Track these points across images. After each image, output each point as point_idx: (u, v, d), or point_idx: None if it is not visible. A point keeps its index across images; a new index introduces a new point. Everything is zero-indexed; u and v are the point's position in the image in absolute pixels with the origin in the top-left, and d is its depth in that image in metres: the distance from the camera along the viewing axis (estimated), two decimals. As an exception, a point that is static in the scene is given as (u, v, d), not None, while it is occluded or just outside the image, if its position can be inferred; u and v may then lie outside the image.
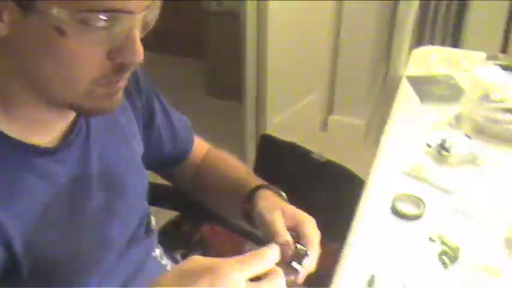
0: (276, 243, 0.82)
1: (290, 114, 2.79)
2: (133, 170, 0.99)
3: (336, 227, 1.23)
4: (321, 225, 1.60)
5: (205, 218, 1.40)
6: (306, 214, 0.93)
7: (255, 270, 0.66)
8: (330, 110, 3.03)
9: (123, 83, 0.80)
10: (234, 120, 2.74)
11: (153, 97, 1.05)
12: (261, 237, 0.97)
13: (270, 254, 0.68)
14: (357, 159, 1.89)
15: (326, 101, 3.01)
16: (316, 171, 1.98)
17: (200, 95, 3.30)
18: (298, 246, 0.85)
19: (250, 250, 0.69)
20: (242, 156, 2.62)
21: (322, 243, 1.41)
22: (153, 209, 1.11)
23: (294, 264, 0.81)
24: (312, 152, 2.02)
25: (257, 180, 1.05)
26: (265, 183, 1.03)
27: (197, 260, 0.66)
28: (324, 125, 3.04)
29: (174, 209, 1.38)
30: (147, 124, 1.05)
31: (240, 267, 0.64)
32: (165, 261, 1.09)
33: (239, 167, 1.15)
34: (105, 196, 0.91)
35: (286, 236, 0.88)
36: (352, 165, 1.80)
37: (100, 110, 0.80)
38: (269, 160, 2.06)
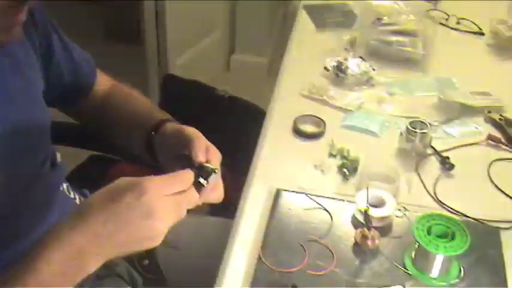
0: (194, 156, 0.86)
1: (192, 56, 2.77)
2: (33, 104, 0.97)
3: (241, 159, 1.26)
4: (227, 159, 1.64)
5: (111, 154, 1.40)
6: (214, 147, 0.95)
7: (174, 188, 0.74)
8: (231, 49, 3.03)
9: (21, 16, 0.78)
10: (136, 64, 2.69)
11: (50, 31, 1.02)
12: (163, 164, 0.98)
13: (187, 175, 0.77)
14: (262, 97, 1.93)
15: (227, 41, 3.01)
16: (221, 107, 2.00)
17: (100, 40, 3.20)
18: (207, 164, 0.87)
19: None
20: (146, 100, 2.58)
21: (227, 175, 1.45)
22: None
23: (201, 179, 0.83)
24: (216, 89, 2.04)
25: (164, 114, 1.05)
26: (171, 117, 1.04)
27: (123, 179, 0.73)
28: (227, 65, 3.05)
29: (80, 147, 1.37)
30: (46, 58, 1.02)
31: (160, 184, 0.72)
32: (73, 194, 1.09)
33: (144, 100, 1.14)
34: (6, 130, 0.88)
35: (202, 154, 0.89)
36: (257, 103, 1.84)
37: None
38: (174, 99, 2.06)
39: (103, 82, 1.16)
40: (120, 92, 1.16)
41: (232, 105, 2.00)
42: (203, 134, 0.97)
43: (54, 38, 1.03)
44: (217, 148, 0.95)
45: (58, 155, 1.08)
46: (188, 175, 0.77)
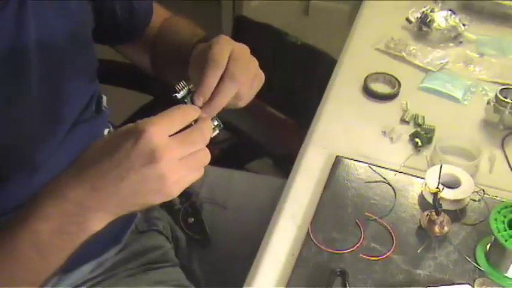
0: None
1: (269, -2, 2.64)
2: (77, 44, 0.90)
3: (306, 112, 1.15)
4: (292, 107, 1.52)
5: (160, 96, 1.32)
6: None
7: (175, 123, 0.64)
8: (312, -7, 2.87)
9: None
10: (211, 3, 2.58)
11: None
12: None
13: (188, 107, 0.68)
14: (339, 46, 1.78)
15: (308, -17, 2.84)
16: (292, 54, 1.89)
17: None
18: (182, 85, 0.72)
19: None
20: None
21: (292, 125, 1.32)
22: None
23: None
24: (289, 34, 1.92)
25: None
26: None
27: (123, 127, 0.64)
28: (306, 9, 2.89)
29: (131, 87, 1.29)
30: None
31: (158, 122, 0.62)
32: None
33: (194, 29, 1.02)
34: (47, 71, 0.82)
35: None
36: (333, 53, 1.70)
37: None
38: (244, 42, 1.95)
39: (158, 16, 1.07)
40: (171, 26, 1.06)
41: (304, 53, 1.88)
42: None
43: None
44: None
45: (104, 99, 1.01)
46: (189, 108, 0.67)
